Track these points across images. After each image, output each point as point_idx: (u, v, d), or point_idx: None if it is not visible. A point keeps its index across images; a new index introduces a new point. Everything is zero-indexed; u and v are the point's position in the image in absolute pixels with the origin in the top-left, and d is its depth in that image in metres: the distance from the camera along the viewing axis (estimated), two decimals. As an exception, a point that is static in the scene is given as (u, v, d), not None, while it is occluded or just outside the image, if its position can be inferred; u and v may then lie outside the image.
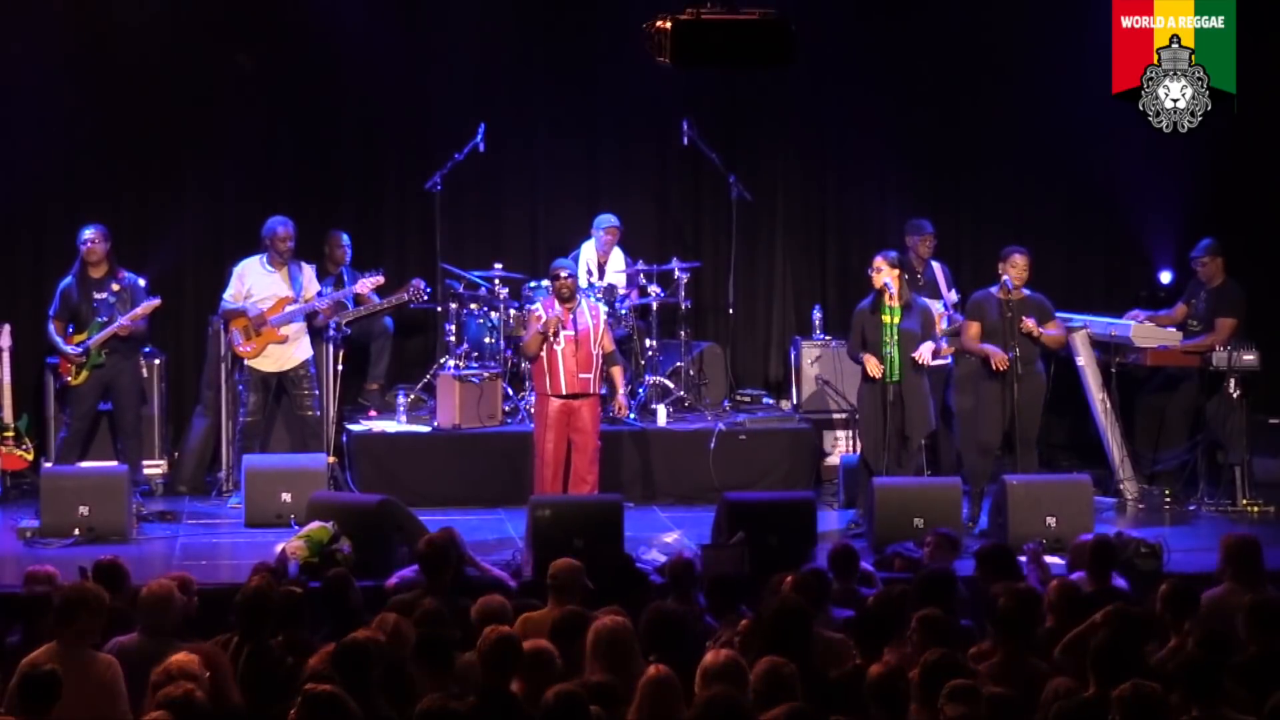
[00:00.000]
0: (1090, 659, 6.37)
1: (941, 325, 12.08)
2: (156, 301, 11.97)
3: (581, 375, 11.26)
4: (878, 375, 11.01)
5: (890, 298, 11.10)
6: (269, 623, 7.10)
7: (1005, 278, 11.31)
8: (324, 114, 13.44)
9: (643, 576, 8.74)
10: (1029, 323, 11.22)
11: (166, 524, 11.45)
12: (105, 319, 11.75)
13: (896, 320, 11.07)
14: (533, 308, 11.61)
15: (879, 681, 6.07)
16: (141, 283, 12.18)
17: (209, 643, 6.95)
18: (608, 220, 12.94)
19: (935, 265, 12.66)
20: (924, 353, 11.09)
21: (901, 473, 11.12)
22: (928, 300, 12.41)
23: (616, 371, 11.55)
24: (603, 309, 11.65)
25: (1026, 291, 11.38)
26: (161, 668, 6.31)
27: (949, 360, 11.87)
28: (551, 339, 11.19)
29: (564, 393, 11.25)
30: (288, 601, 7.24)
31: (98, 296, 11.81)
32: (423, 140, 13.40)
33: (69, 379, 11.84)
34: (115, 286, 11.82)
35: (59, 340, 11.81)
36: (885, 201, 14.00)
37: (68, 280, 11.89)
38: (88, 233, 11.81)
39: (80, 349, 11.74)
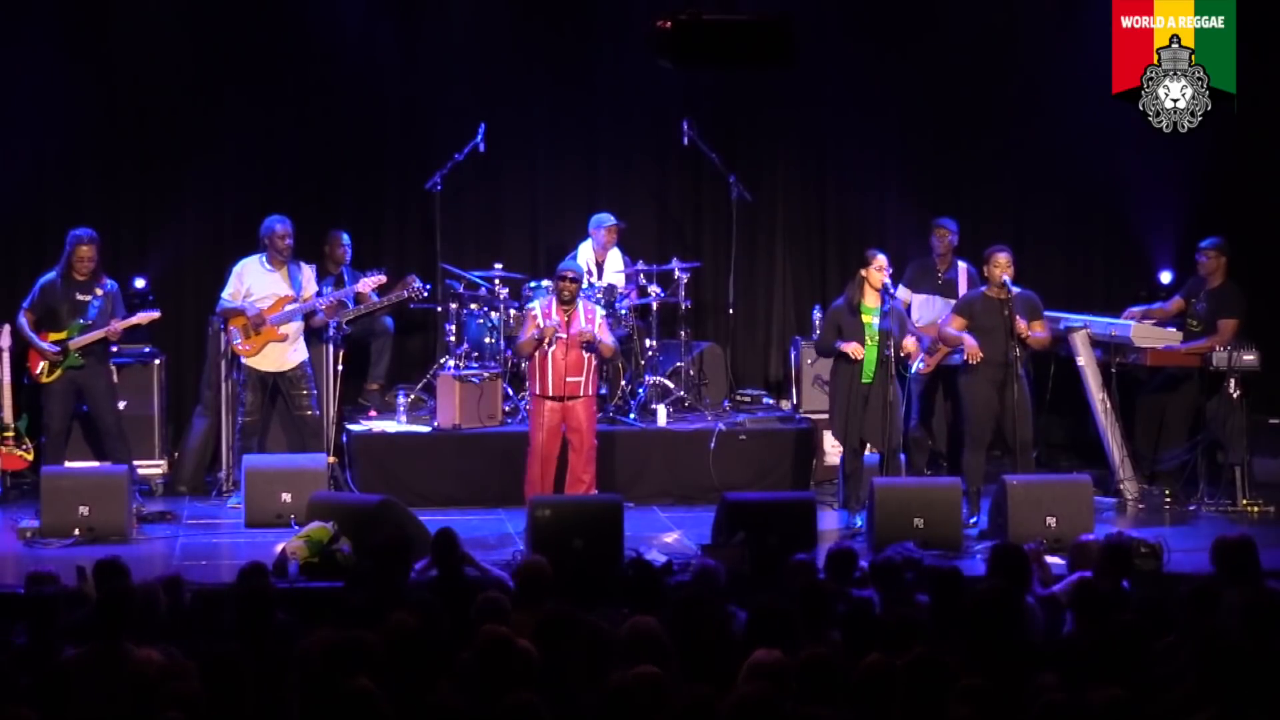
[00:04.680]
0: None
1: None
2: (156, 314, 11.98)
3: (570, 378, 11.28)
4: (860, 357, 11.03)
5: (878, 299, 11.12)
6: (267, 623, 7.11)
7: (1005, 279, 11.32)
8: (324, 114, 13.43)
9: (658, 577, 8.75)
10: (1021, 324, 11.22)
11: (166, 524, 11.45)
12: (89, 321, 11.72)
13: (875, 320, 11.10)
14: (530, 307, 11.63)
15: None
16: (141, 284, 12.17)
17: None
18: (607, 220, 12.94)
19: (962, 266, 12.59)
20: (908, 344, 11.13)
21: (890, 471, 11.17)
22: (942, 300, 12.43)
23: (605, 348, 11.45)
24: (600, 311, 11.62)
25: (1016, 289, 11.38)
26: (159, 668, 6.31)
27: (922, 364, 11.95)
28: (545, 344, 11.24)
29: (551, 394, 11.29)
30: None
31: (81, 298, 11.76)
32: (423, 140, 13.40)
33: (39, 376, 11.80)
34: (99, 291, 11.79)
35: (33, 335, 11.76)
36: (885, 202, 14.02)
37: (50, 277, 11.83)
38: (84, 244, 11.71)
39: (57, 347, 11.72)
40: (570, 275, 11.37)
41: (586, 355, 11.31)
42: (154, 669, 6.29)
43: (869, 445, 11.28)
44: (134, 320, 11.83)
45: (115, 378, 12.12)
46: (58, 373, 11.76)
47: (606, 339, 11.47)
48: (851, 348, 11.06)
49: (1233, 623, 6.98)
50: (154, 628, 7.04)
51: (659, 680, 5.85)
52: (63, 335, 11.74)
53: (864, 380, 11.13)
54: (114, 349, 12.12)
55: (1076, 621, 7.45)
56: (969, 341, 11.27)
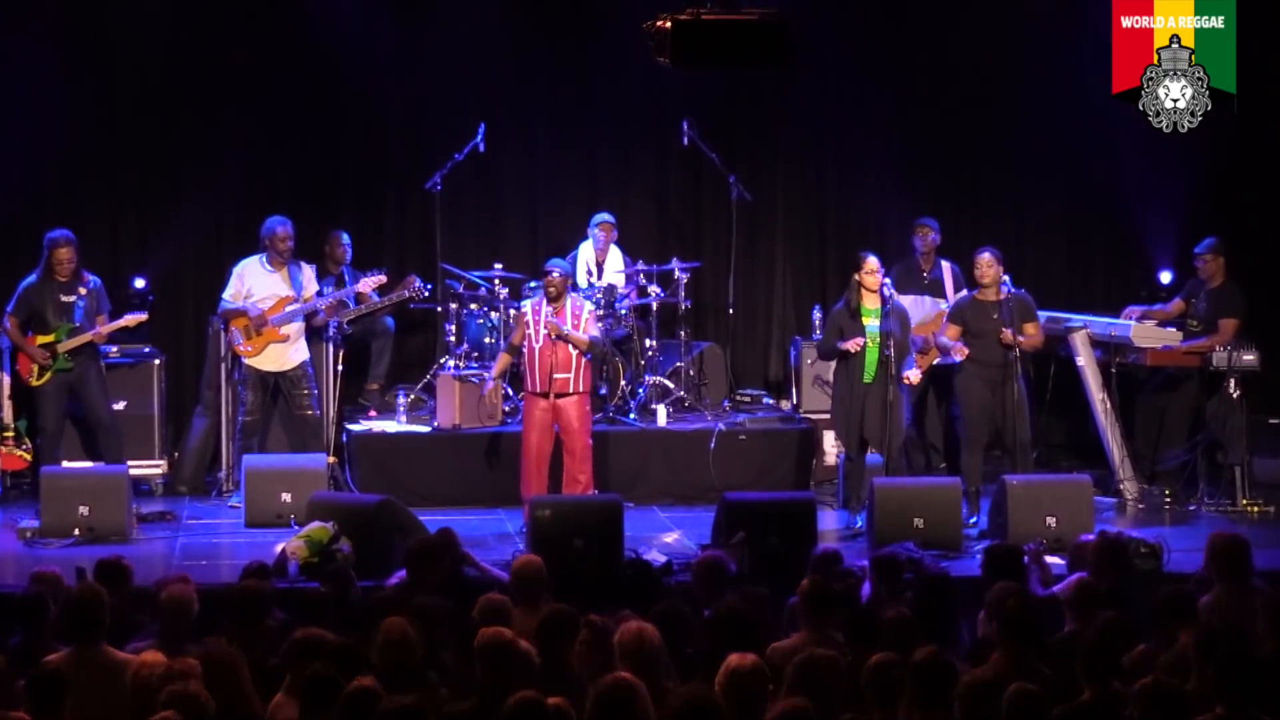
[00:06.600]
0: (1083, 661, 6.36)
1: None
2: (143, 316, 11.97)
3: (558, 375, 11.25)
4: (859, 349, 11.02)
5: (877, 300, 11.14)
6: (263, 622, 7.12)
7: (1004, 280, 11.36)
8: (324, 114, 13.44)
9: (656, 578, 8.75)
10: (1007, 334, 11.26)
11: (166, 524, 11.45)
12: (76, 324, 11.70)
13: (876, 322, 11.11)
14: (520, 307, 11.64)
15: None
16: (141, 284, 12.17)
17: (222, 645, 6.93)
18: (601, 217, 12.96)
19: (945, 265, 12.67)
20: (910, 376, 11.13)
21: (893, 471, 11.17)
22: (931, 299, 12.44)
23: (577, 340, 11.33)
24: (587, 306, 11.60)
25: (1009, 289, 11.40)
26: (161, 669, 6.31)
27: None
28: (532, 339, 11.22)
29: (538, 390, 11.28)
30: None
31: (65, 299, 11.75)
32: (423, 140, 13.41)
33: (29, 379, 11.78)
34: (83, 290, 11.78)
35: (21, 339, 11.75)
36: (885, 202, 14.01)
37: (31, 280, 11.81)
38: (61, 246, 11.66)
39: (44, 351, 11.70)
40: (556, 273, 11.32)
41: (573, 352, 11.28)
42: (158, 670, 6.30)
43: (870, 446, 11.28)
44: (119, 324, 11.82)
45: (104, 371, 12.08)
46: (47, 376, 11.75)
47: (582, 334, 11.30)
48: (853, 342, 11.07)
49: (1229, 620, 6.99)
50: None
51: (637, 688, 5.81)
52: (50, 338, 11.73)
53: (864, 380, 11.14)
54: (112, 349, 12.17)
55: (1074, 620, 7.45)
56: (958, 345, 11.34)
